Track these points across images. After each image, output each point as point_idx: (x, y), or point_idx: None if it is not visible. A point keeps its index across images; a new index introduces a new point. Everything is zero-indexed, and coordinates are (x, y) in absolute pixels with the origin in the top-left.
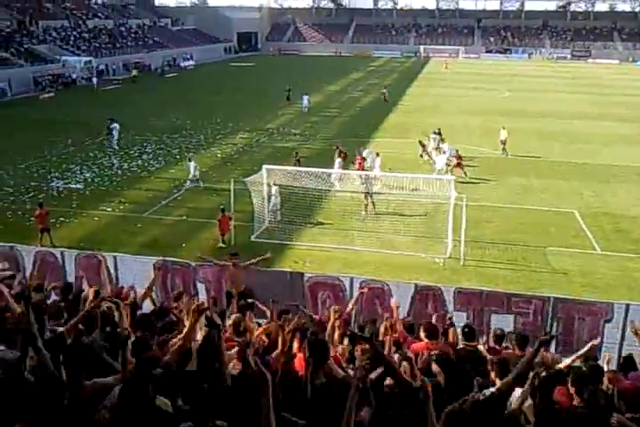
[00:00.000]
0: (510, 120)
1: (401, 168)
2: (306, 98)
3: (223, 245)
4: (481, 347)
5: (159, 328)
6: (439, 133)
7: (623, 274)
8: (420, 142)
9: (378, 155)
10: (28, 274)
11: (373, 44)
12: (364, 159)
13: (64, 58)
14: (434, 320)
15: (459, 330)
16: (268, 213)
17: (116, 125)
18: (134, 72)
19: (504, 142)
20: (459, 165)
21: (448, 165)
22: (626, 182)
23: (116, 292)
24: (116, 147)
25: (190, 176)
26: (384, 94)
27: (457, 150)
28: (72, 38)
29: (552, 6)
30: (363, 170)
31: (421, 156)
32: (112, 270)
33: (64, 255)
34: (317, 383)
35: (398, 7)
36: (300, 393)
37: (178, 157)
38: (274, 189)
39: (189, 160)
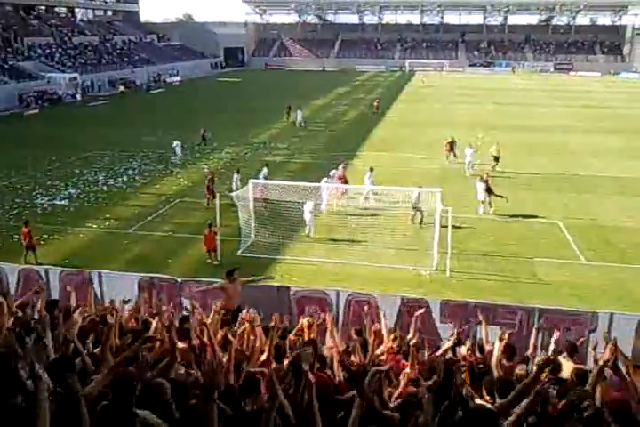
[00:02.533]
0: (496, 133)
1: (388, 181)
2: (300, 113)
3: (209, 261)
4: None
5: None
6: (452, 142)
7: (608, 284)
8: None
9: (372, 169)
10: (12, 292)
11: (359, 58)
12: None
13: (49, 74)
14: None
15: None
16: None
17: (179, 143)
18: (121, 88)
19: (496, 159)
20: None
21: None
22: (610, 193)
23: (102, 311)
24: (179, 162)
25: (233, 187)
26: (377, 103)
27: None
28: (57, 55)
29: (534, 20)
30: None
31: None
32: (97, 288)
33: (48, 273)
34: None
35: (383, 22)
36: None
37: (164, 172)
38: (309, 204)
39: (237, 172)
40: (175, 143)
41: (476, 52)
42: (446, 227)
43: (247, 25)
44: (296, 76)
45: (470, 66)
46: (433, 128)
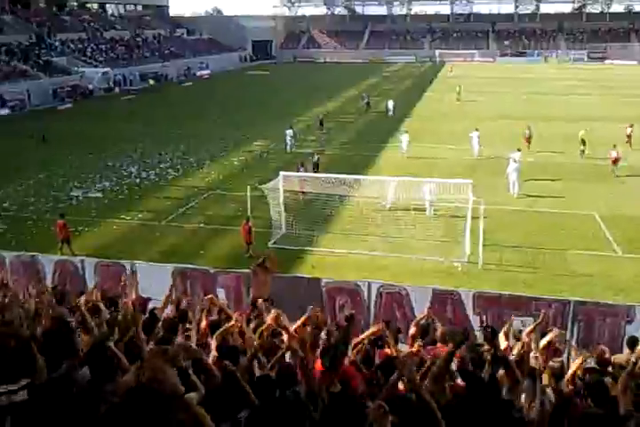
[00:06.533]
0: (532, 124)
1: (420, 172)
2: (391, 103)
3: (247, 255)
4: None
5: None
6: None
7: None
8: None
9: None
10: (49, 282)
11: (388, 49)
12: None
13: (82, 69)
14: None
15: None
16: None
17: (290, 131)
18: (151, 82)
19: (583, 142)
20: None
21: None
22: None
23: (140, 302)
24: (289, 151)
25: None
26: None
27: None
28: (89, 50)
29: (567, 8)
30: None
31: None
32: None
33: (84, 264)
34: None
35: (412, 13)
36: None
37: (195, 165)
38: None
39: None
40: (288, 132)
41: (506, 42)
42: (477, 218)
43: (275, 18)
44: (325, 67)
45: (501, 56)
46: (461, 120)
